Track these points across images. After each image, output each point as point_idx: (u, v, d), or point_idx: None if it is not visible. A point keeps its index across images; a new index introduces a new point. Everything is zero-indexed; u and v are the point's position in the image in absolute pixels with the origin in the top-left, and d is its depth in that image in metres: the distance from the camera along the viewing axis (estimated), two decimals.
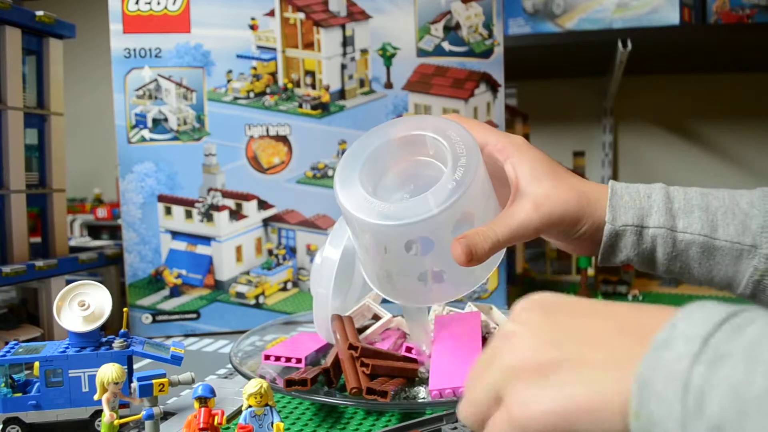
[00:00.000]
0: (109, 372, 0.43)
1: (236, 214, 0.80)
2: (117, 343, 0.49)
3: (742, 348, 0.26)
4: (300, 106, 0.80)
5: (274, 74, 0.80)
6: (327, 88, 0.81)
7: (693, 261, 0.50)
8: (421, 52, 0.82)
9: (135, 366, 0.55)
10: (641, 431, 0.28)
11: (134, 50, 0.77)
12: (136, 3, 0.77)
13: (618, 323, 0.31)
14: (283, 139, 0.80)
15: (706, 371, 0.26)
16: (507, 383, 0.31)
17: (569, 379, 0.30)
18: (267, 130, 0.80)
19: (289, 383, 0.51)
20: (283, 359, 0.59)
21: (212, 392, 0.42)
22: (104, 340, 0.50)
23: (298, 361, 0.58)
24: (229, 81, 0.79)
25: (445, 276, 0.51)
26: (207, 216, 0.79)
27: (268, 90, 0.80)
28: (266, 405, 0.42)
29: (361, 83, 0.82)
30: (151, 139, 0.78)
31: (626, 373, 0.29)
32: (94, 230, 1.09)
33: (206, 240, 0.79)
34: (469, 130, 0.51)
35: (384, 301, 0.63)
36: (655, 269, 0.52)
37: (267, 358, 0.59)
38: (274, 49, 0.80)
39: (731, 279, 0.50)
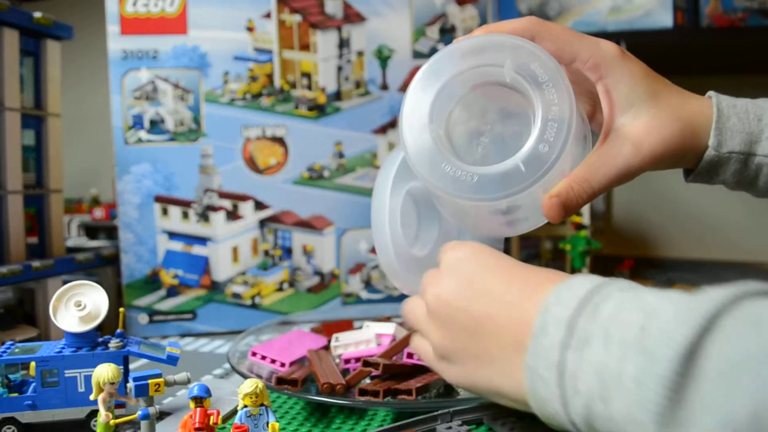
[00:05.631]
0: (105, 372, 0.43)
1: (232, 215, 0.80)
2: (113, 343, 0.49)
3: (600, 328, 0.31)
4: (296, 107, 0.81)
5: (270, 76, 0.80)
6: (323, 90, 0.81)
7: None
8: (417, 54, 0.82)
9: (131, 366, 0.56)
10: (537, 409, 0.34)
11: (131, 52, 0.77)
12: (134, 4, 0.77)
13: (510, 307, 0.36)
14: (280, 141, 0.81)
15: (574, 356, 0.31)
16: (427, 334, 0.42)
17: (471, 364, 0.38)
18: (263, 132, 0.80)
19: (280, 381, 0.52)
20: (268, 359, 0.59)
21: (208, 392, 0.42)
22: (100, 340, 0.50)
23: (282, 365, 0.58)
24: (225, 82, 0.79)
25: (527, 220, 0.47)
26: (203, 217, 0.79)
27: (264, 91, 0.80)
28: (262, 405, 0.43)
29: (357, 85, 0.82)
30: (148, 141, 0.78)
31: (515, 359, 0.35)
32: (90, 231, 1.09)
33: (202, 240, 0.80)
34: (552, 41, 0.45)
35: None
36: (751, 193, 0.49)
37: (254, 354, 0.60)
38: (270, 51, 0.80)
39: None
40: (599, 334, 0.30)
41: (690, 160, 0.47)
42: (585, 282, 0.33)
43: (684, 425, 0.26)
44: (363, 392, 0.50)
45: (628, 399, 0.28)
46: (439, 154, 0.43)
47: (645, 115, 0.44)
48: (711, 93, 0.48)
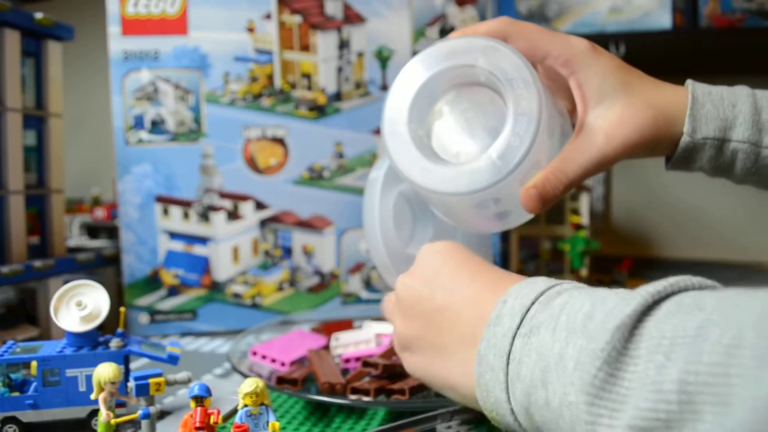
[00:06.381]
0: (105, 371, 0.43)
1: (233, 215, 0.80)
2: (114, 343, 0.49)
3: (550, 317, 0.31)
4: (296, 108, 0.81)
5: (271, 76, 0.81)
6: (323, 91, 0.81)
7: None
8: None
9: (132, 365, 0.56)
10: (482, 398, 0.34)
11: (132, 52, 0.78)
12: (135, 5, 0.77)
13: (470, 301, 0.37)
14: (280, 141, 0.81)
15: (522, 342, 0.32)
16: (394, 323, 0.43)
17: (428, 354, 0.39)
18: (264, 132, 0.80)
19: (281, 381, 0.52)
20: (268, 359, 0.59)
21: (208, 391, 0.42)
22: (101, 339, 0.50)
23: (282, 364, 0.59)
24: (226, 83, 0.79)
25: (510, 214, 0.49)
26: (204, 217, 0.80)
27: (265, 92, 0.80)
28: (262, 404, 0.43)
29: (357, 85, 0.82)
30: (149, 141, 0.79)
31: (470, 351, 0.35)
32: (92, 231, 1.10)
33: (203, 240, 0.80)
34: (524, 40, 0.46)
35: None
36: (729, 179, 0.50)
37: (254, 354, 0.60)
38: (271, 52, 0.80)
39: None
40: (548, 323, 0.31)
41: (666, 147, 0.48)
42: (545, 280, 0.34)
43: (616, 402, 0.26)
44: (354, 391, 0.51)
45: (566, 380, 0.28)
46: (419, 153, 0.45)
47: (617, 106, 0.45)
48: (688, 81, 0.48)
